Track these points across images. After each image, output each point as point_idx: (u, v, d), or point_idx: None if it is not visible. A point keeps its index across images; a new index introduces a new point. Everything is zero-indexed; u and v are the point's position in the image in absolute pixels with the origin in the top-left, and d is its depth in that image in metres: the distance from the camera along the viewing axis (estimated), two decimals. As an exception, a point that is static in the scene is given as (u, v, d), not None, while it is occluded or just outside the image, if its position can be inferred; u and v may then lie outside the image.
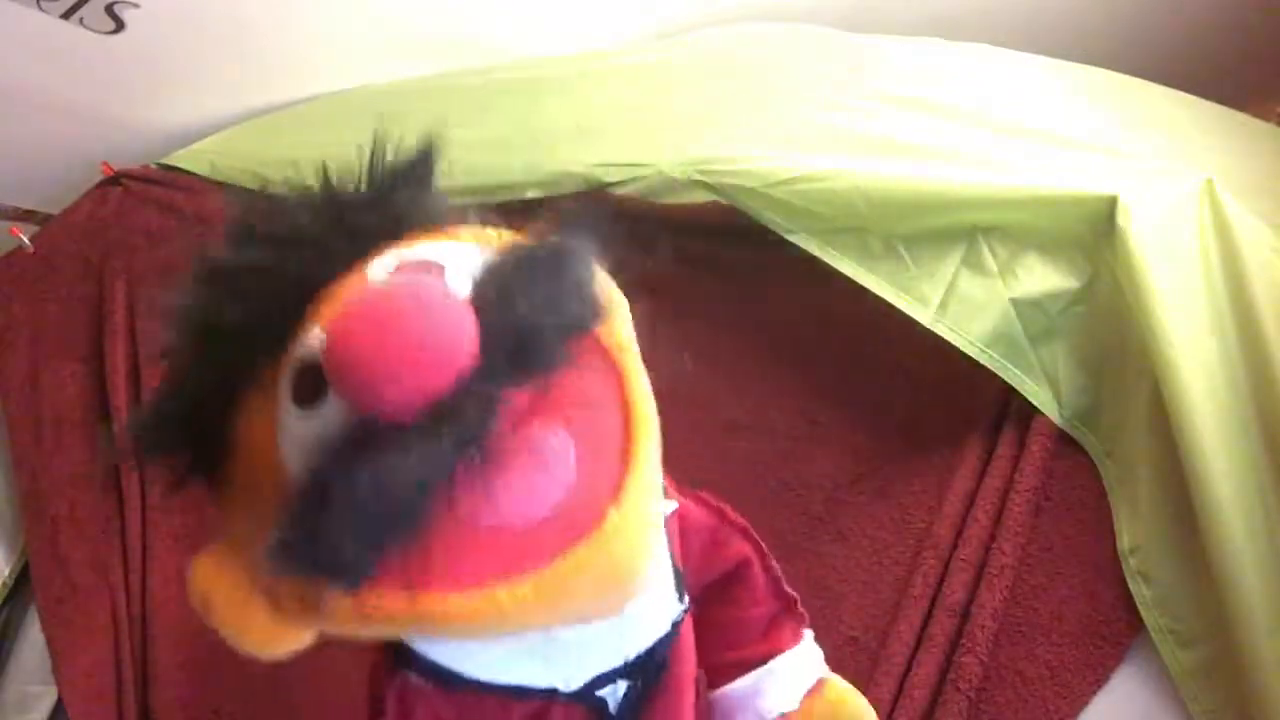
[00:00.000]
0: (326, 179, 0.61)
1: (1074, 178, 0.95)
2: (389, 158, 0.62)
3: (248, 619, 0.54)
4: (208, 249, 0.57)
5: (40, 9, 1.11)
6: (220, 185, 1.33)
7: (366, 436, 0.46)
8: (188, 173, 1.35)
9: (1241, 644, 0.81)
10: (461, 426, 0.46)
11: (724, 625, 0.80)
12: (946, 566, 0.99)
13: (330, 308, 0.51)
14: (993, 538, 0.97)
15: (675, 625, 0.71)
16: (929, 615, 0.98)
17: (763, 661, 0.79)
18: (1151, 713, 0.89)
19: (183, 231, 1.33)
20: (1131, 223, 0.90)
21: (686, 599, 0.72)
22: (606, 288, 0.56)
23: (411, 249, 0.55)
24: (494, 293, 0.50)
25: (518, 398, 0.49)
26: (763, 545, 0.81)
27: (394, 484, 0.45)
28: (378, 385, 0.45)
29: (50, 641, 1.27)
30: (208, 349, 0.56)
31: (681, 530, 0.76)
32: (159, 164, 1.37)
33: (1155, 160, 1.00)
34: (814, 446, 1.13)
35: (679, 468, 1.19)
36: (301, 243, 0.56)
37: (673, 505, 0.75)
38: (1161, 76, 1.29)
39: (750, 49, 1.28)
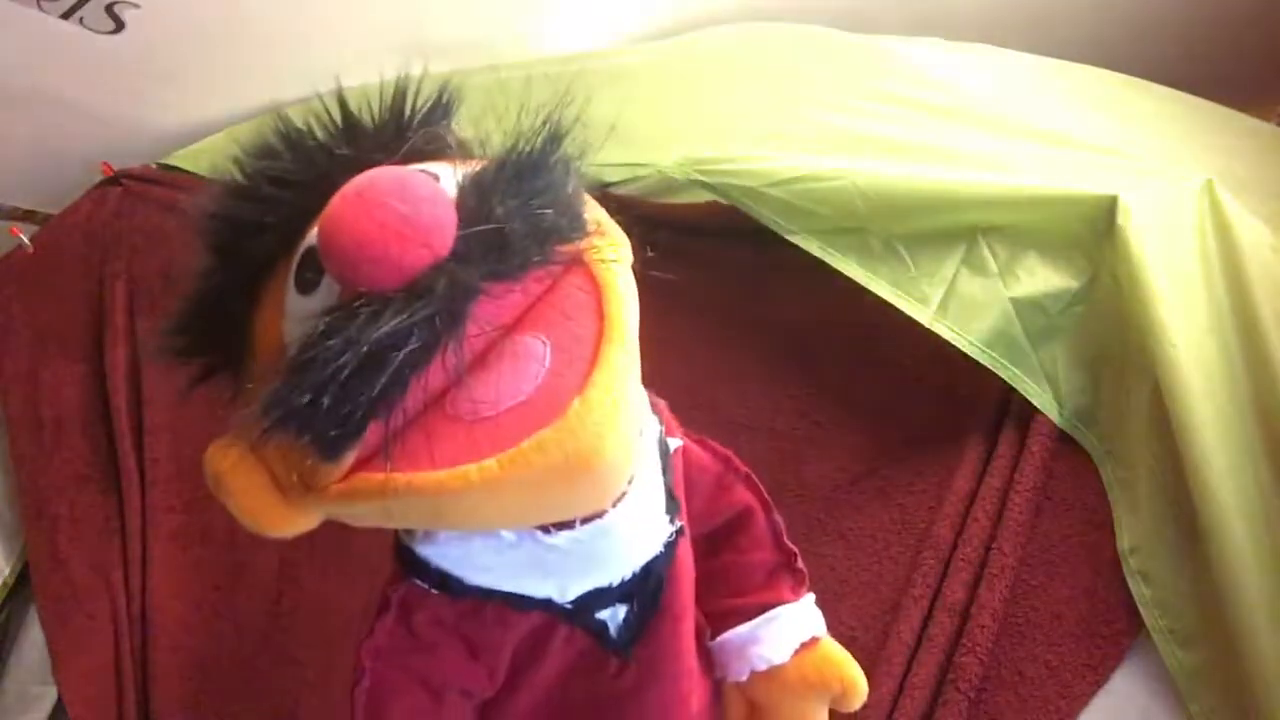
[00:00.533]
0: (345, 108, 0.65)
1: (1074, 178, 0.95)
2: (408, 97, 0.67)
3: (258, 498, 0.57)
4: (238, 162, 0.64)
5: (40, 9, 1.10)
6: (220, 185, 1.33)
7: (349, 309, 0.50)
8: (188, 173, 1.35)
9: (1241, 644, 0.81)
10: (433, 303, 0.50)
11: (725, 570, 0.82)
12: (946, 566, 0.99)
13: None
14: (993, 538, 0.97)
15: (668, 546, 0.73)
16: (929, 615, 0.98)
17: (760, 611, 0.81)
18: (1151, 713, 0.89)
19: (182, 231, 1.33)
20: (1131, 223, 0.90)
21: (680, 522, 0.74)
22: (589, 207, 0.61)
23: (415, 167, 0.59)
24: (476, 192, 0.54)
25: (501, 304, 0.54)
26: (766, 496, 0.83)
27: (367, 349, 0.49)
28: (359, 262, 0.50)
29: (50, 641, 1.27)
30: (231, 249, 0.61)
31: (685, 468, 0.79)
32: (159, 164, 1.37)
33: (1155, 160, 1.00)
34: (814, 446, 1.13)
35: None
36: (318, 157, 0.61)
37: (677, 443, 0.78)
38: (1161, 76, 1.29)
39: (750, 49, 1.28)
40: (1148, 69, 1.30)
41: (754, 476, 0.84)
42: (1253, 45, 1.68)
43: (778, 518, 0.84)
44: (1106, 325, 0.95)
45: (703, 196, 1.08)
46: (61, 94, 1.29)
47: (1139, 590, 0.91)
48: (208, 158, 1.35)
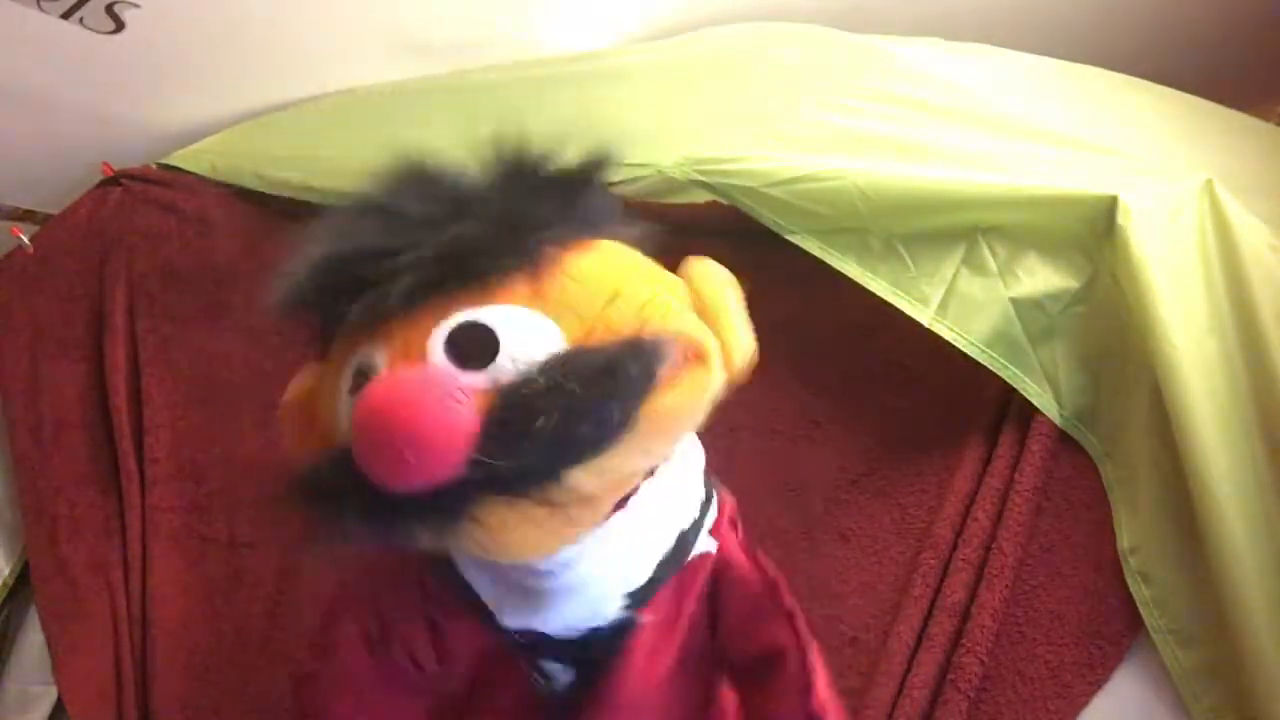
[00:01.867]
0: (502, 156, 0.70)
1: (1074, 178, 0.95)
2: (562, 156, 0.70)
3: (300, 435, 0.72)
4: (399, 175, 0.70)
5: (40, 9, 1.10)
6: (220, 185, 1.33)
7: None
8: (188, 173, 1.35)
9: (1241, 644, 0.81)
10: (427, 519, 0.59)
11: (749, 713, 0.81)
12: (946, 566, 0.99)
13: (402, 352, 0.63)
14: (993, 538, 0.97)
15: (615, 630, 0.73)
16: (929, 615, 0.98)
17: None
18: (1151, 713, 0.89)
19: (182, 231, 1.34)
20: (1131, 223, 0.90)
21: (644, 618, 0.74)
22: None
23: (487, 310, 0.63)
24: (516, 409, 0.58)
25: None
26: (804, 634, 0.80)
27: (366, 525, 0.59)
28: (378, 473, 0.57)
29: (50, 641, 1.27)
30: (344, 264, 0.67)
31: (724, 577, 0.78)
32: (159, 164, 1.37)
33: (1155, 160, 1.00)
34: (814, 446, 1.13)
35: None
36: (459, 211, 0.66)
37: (708, 545, 0.77)
38: (1161, 76, 1.29)
39: (750, 49, 1.28)
40: (1148, 69, 1.30)
41: (797, 613, 0.80)
42: (1253, 45, 1.68)
43: (812, 661, 0.79)
44: (1106, 325, 0.95)
45: (703, 196, 1.08)
46: (61, 94, 1.29)
47: (1139, 590, 0.91)
48: (208, 158, 1.35)
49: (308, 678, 0.76)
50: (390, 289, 0.62)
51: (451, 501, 0.58)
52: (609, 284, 0.65)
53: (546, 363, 0.60)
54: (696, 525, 0.76)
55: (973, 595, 0.96)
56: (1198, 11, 1.61)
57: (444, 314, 0.62)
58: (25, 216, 1.48)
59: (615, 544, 0.70)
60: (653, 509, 0.71)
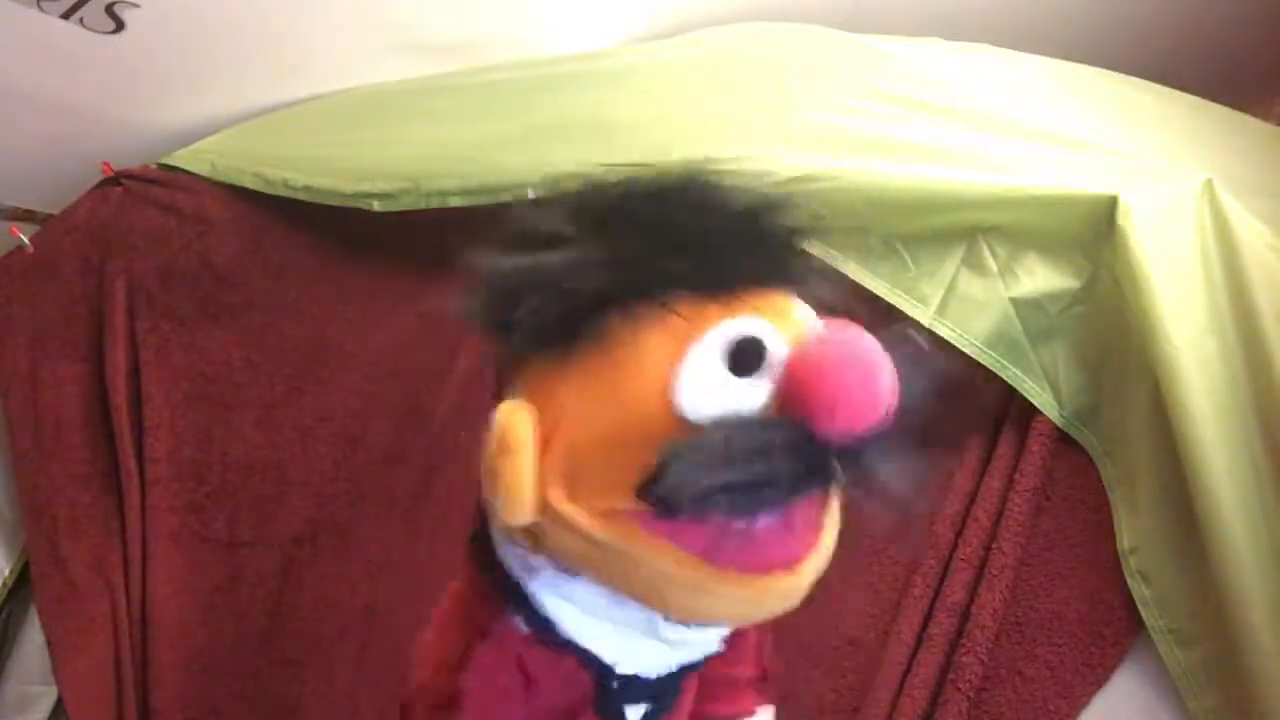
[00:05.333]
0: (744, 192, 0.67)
1: (1074, 178, 0.95)
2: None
3: (524, 481, 0.60)
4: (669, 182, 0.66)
5: (40, 9, 1.10)
6: (220, 185, 1.33)
7: (799, 430, 0.56)
8: (188, 173, 1.35)
9: (1241, 644, 0.81)
10: (860, 466, 0.59)
11: (704, 679, 0.82)
12: (946, 566, 0.99)
13: (787, 322, 0.62)
14: (993, 538, 0.97)
15: (706, 657, 0.75)
16: (929, 615, 0.98)
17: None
18: (1151, 712, 0.89)
19: (182, 231, 1.34)
20: (1131, 223, 0.90)
21: (722, 644, 0.76)
22: None
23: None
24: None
25: None
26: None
27: (795, 473, 0.56)
28: (850, 419, 0.56)
29: (50, 641, 1.27)
30: (639, 256, 0.62)
31: None
32: (159, 164, 1.37)
33: (1155, 160, 1.00)
34: (814, 446, 1.13)
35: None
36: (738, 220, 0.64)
37: None
38: (1161, 76, 1.29)
39: (750, 49, 1.28)
40: (1148, 69, 1.30)
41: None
42: (1253, 45, 1.68)
43: (766, 634, 0.84)
44: (1106, 325, 0.95)
45: (703, 196, 1.08)
46: (61, 94, 1.29)
47: (1139, 590, 0.91)
48: (208, 158, 1.35)
49: None
50: (742, 262, 0.63)
51: (862, 458, 0.59)
52: None
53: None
54: None
55: (973, 595, 0.96)
56: (1198, 11, 1.61)
57: (790, 304, 0.64)
58: (25, 216, 1.48)
59: None
60: None
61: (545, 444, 0.61)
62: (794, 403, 0.57)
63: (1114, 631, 0.92)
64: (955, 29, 1.28)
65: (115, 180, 1.36)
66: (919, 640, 0.97)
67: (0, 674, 1.34)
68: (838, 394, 0.56)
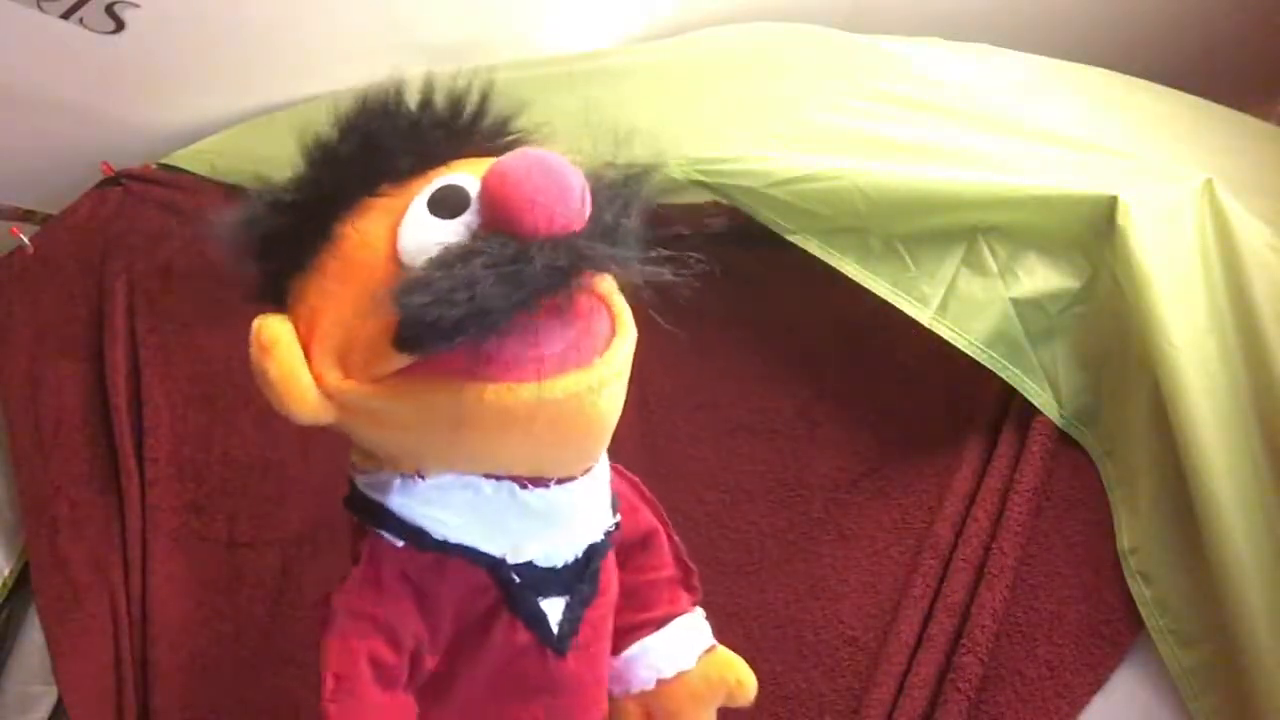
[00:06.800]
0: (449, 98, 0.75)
1: (1074, 178, 0.95)
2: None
3: (296, 377, 0.67)
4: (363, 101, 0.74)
5: (40, 9, 1.10)
6: (220, 185, 1.33)
7: (501, 238, 0.61)
8: (188, 173, 1.35)
9: (1241, 644, 0.81)
10: (569, 260, 0.61)
11: (633, 589, 0.89)
12: (946, 566, 0.99)
13: (470, 164, 0.69)
14: (993, 538, 0.97)
15: (607, 536, 0.81)
16: (929, 615, 0.98)
17: (665, 622, 0.90)
18: (1151, 713, 0.89)
19: (182, 231, 1.34)
20: (1131, 223, 0.90)
21: (617, 517, 0.84)
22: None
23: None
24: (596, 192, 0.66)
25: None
26: (665, 517, 0.94)
27: (511, 270, 0.60)
28: (531, 207, 0.61)
29: (50, 641, 1.27)
30: (342, 169, 0.72)
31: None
32: (159, 164, 1.37)
33: (1155, 160, 1.00)
34: (814, 447, 1.13)
35: (683, 468, 1.19)
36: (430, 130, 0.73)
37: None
38: (1162, 76, 1.29)
39: (750, 49, 1.28)
40: (1148, 69, 1.30)
41: (655, 500, 0.93)
42: (1253, 45, 1.68)
43: (677, 539, 0.94)
44: (1106, 325, 0.95)
45: (703, 196, 1.08)
46: (61, 94, 1.29)
47: (1139, 590, 0.91)
48: (208, 158, 1.35)
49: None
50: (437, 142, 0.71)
51: (573, 259, 0.62)
52: None
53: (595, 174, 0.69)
54: None
55: (973, 595, 0.96)
56: (1198, 11, 1.61)
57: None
58: (25, 216, 1.48)
59: (598, 479, 0.80)
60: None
61: (307, 344, 0.68)
62: (494, 217, 0.63)
63: (1114, 631, 0.92)
64: (955, 29, 1.28)
65: (115, 180, 1.36)
66: (919, 640, 0.97)
67: (0, 674, 1.34)
68: (524, 193, 0.61)
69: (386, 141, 0.71)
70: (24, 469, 1.33)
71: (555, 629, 0.78)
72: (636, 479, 0.93)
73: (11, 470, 1.35)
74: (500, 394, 0.64)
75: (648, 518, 0.92)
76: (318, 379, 0.67)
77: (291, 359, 0.67)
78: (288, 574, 1.27)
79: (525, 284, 0.60)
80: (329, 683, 0.72)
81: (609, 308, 0.71)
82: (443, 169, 0.70)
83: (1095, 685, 0.92)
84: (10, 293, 1.37)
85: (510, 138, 0.77)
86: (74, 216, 1.36)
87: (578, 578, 0.80)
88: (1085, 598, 0.94)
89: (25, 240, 1.36)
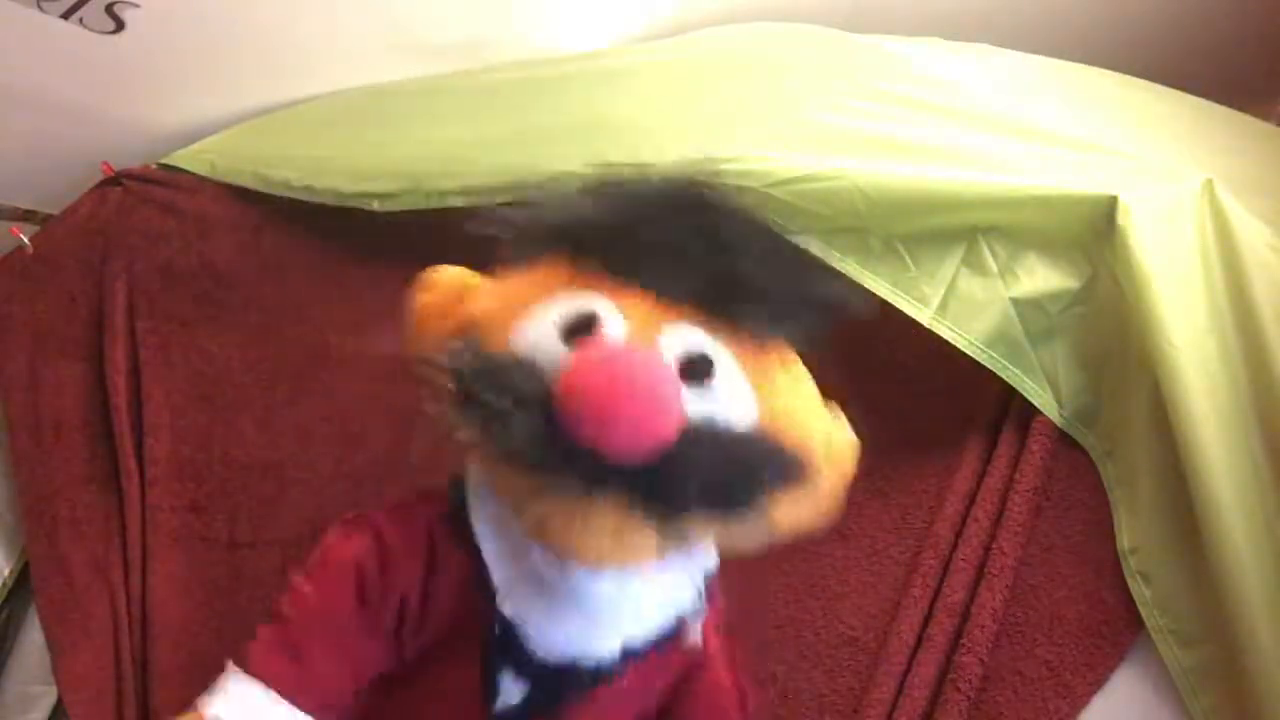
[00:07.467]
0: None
1: (1074, 178, 0.95)
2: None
3: (424, 306, 0.75)
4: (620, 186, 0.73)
5: (40, 9, 1.10)
6: (220, 185, 1.33)
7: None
8: (188, 173, 1.35)
9: (1241, 644, 0.81)
10: (576, 472, 0.61)
11: None
12: (946, 566, 0.99)
13: (639, 323, 0.67)
14: (993, 538, 0.97)
15: (593, 675, 0.75)
16: (929, 615, 0.98)
17: None
18: (1151, 712, 0.89)
19: (183, 231, 1.34)
20: (1131, 223, 0.90)
21: (623, 676, 0.76)
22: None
23: (718, 345, 0.69)
24: (705, 444, 0.63)
25: None
26: (747, 694, 0.88)
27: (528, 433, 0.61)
28: (594, 429, 0.60)
29: (50, 641, 1.27)
30: (596, 228, 0.71)
31: (697, 675, 0.84)
32: (159, 164, 1.37)
33: (1155, 160, 1.00)
34: (814, 446, 1.13)
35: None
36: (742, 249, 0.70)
37: (697, 638, 0.81)
38: (1161, 76, 1.29)
39: (750, 49, 1.28)
40: (1148, 69, 1.30)
41: (739, 672, 0.88)
42: (1253, 45, 1.68)
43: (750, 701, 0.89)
44: (1106, 325, 0.95)
45: (703, 196, 1.08)
46: (61, 94, 1.29)
47: (1139, 590, 0.91)
48: (208, 158, 1.35)
49: (295, 604, 0.74)
50: (665, 268, 0.67)
51: (607, 476, 0.61)
52: (801, 397, 0.75)
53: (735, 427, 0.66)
54: (694, 614, 0.80)
55: (973, 595, 0.96)
56: (1198, 11, 1.61)
57: (681, 318, 0.67)
58: (25, 216, 1.48)
59: (638, 585, 0.73)
60: (671, 576, 0.76)
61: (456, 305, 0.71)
62: (558, 396, 0.61)
63: (1114, 631, 0.92)
64: (955, 29, 1.28)
65: (115, 180, 1.36)
66: (919, 640, 0.97)
67: (0, 674, 1.34)
68: (592, 407, 0.60)
69: (646, 236, 0.69)
70: (24, 469, 1.33)
71: (497, 707, 0.74)
72: (749, 692, 0.88)
73: (11, 470, 1.35)
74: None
75: (726, 688, 0.87)
76: (440, 328, 0.71)
77: (431, 298, 0.74)
78: (288, 574, 1.27)
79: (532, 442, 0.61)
80: (311, 563, 0.74)
81: None
82: (621, 290, 0.68)
83: (1095, 685, 0.92)
84: (10, 293, 1.37)
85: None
86: (74, 216, 1.36)
87: (543, 680, 0.74)
88: (1085, 598, 0.94)
89: (25, 240, 1.36)
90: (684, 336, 0.67)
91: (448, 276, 0.75)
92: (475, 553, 0.73)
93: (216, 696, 0.68)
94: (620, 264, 0.68)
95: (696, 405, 0.64)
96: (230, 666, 0.70)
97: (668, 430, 0.61)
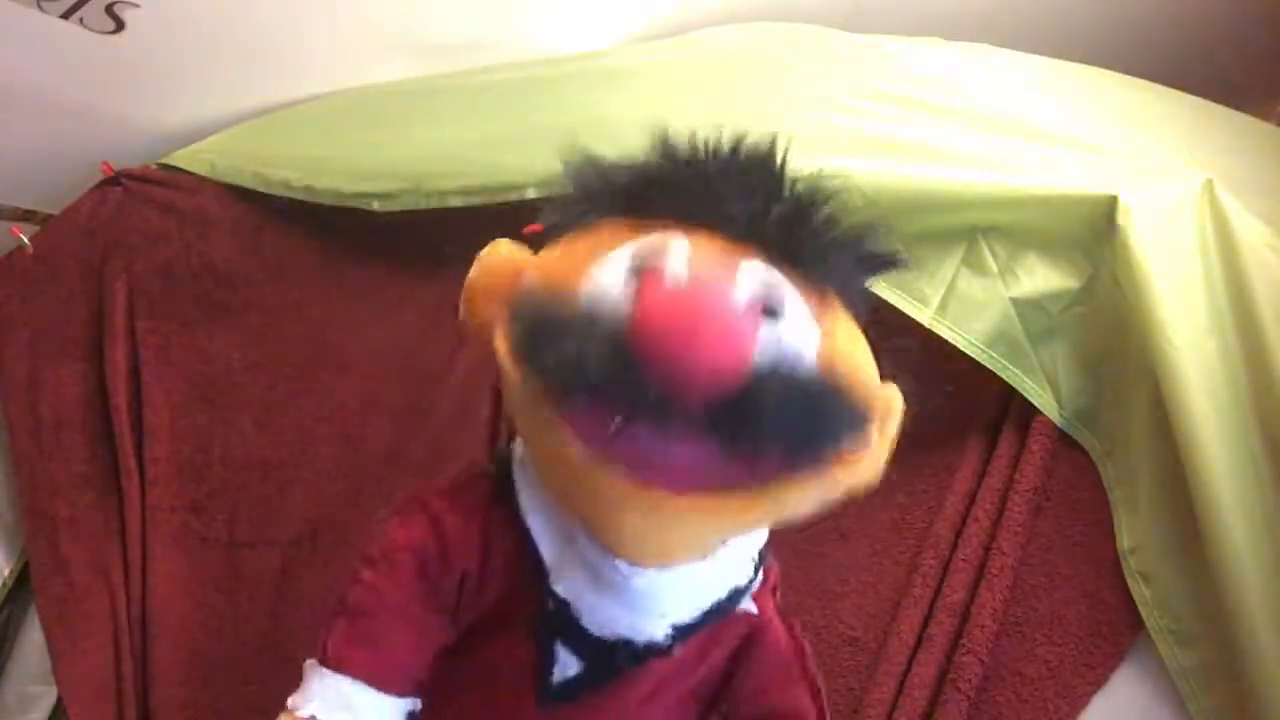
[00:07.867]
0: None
1: (1074, 178, 0.95)
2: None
3: (477, 280, 0.71)
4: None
5: (40, 9, 1.11)
6: (220, 185, 1.33)
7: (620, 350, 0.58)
8: (188, 173, 1.35)
9: (1241, 644, 0.81)
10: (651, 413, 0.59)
11: None
12: (946, 566, 0.99)
13: (706, 259, 0.64)
14: (993, 538, 0.97)
15: (642, 651, 0.74)
16: (929, 615, 0.98)
17: None
18: (1151, 712, 0.89)
19: (183, 232, 1.34)
20: (1131, 223, 0.90)
21: (677, 651, 0.75)
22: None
23: (788, 286, 0.66)
24: (781, 385, 0.61)
25: None
26: (824, 707, 0.84)
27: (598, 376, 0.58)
28: (667, 357, 0.57)
29: (50, 641, 1.27)
30: (651, 185, 0.70)
31: (755, 639, 0.81)
32: (159, 164, 1.37)
33: (1155, 160, 1.00)
34: (814, 446, 1.13)
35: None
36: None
37: (750, 607, 0.80)
38: (1161, 76, 1.29)
39: (750, 49, 1.28)
40: (1148, 69, 1.30)
41: (820, 683, 0.84)
42: (1253, 45, 1.68)
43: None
44: (1106, 325, 0.95)
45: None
46: (61, 94, 1.29)
47: (1139, 590, 0.91)
48: (208, 158, 1.35)
49: (365, 595, 0.74)
50: (737, 212, 0.66)
51: (685, 413, 0.58)
52: (861, 349, 0.72)
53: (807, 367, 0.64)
54: (748, 585, 0.78)
55: (973, 595, 0.96)
56: (1198, 11, 1.61)
57: (750, 257, 0.65)
58: (25, 216, 1.48)
59: (685, 573, 0.72)
60: (727, 554, 0.75)
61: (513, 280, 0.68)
62: (633, 333, 0.59)
63: (1114, 631, 0.92)
64: (955, 29, 1.28)
65: (115, 180, 1.36)
66: (919, 640, 0.97)
67: (0, 674, 1.34)
68: (665, 334, 0.58)
69: (699, 182, 0.68)
70: (24, 469, 1.33)
71: (552, 681, 0.74)
72: (805, 645, 0.85)
73: (11, 470, 1.35)
74: (559, 435, 0.62)
75: (800, 698, 0.83)
76: (489, 308, 0.68)
77: (483, 274, 0.70)
78: (288, 574, 1.27)
79: (611, 385, 0.58)
80: (373, 554, 0.73)
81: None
82: (686, 229, 0.66)
83: (1095, 685, 0.92)
84: (10, 292, 1.37)
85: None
86: (74, 216, 1.37)
87: (603, 658, 0.74)
88: (1085, 598, 0.94)
89: (25, 240, 1.36)
90: (758, 273, 0.65)
91: (502, 254, 0.72)
92: (525, 533, 0.73)
93: (307, 696, 0.71)
94: (692, 208, 0.67)
95: (771, 341, 0.63)
96: (311, 665, 0.72)
97: (745, 359, 0.59)
